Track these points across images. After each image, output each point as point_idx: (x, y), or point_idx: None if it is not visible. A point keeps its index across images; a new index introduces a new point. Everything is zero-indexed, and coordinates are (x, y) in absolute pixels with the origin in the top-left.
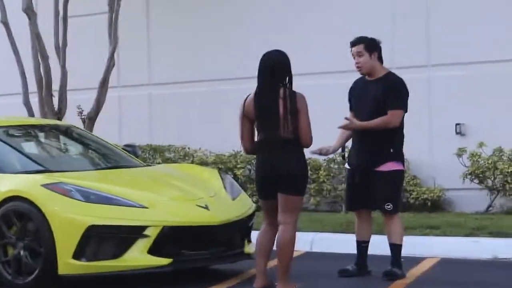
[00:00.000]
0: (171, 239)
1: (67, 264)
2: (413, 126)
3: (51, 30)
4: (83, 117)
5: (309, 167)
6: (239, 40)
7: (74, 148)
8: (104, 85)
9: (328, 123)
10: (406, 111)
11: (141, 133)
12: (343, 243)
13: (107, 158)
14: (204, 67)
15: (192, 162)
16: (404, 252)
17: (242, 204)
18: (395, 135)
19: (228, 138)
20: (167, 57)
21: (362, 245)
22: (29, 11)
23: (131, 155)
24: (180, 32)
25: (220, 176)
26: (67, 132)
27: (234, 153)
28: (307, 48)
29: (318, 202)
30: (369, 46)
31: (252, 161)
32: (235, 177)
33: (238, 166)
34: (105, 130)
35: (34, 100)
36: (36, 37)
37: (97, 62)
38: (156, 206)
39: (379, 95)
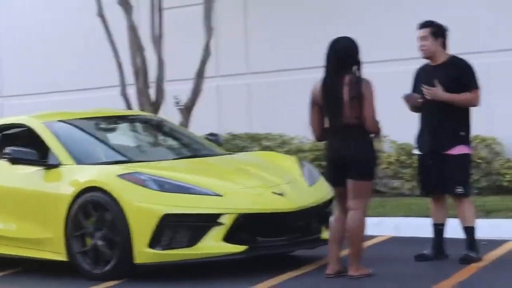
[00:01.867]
0: (246, 226)
1: (143, 253)
2: (508, 109)
3: (147, 22)
4: (180, 107)
5: (403, 152)
6: (336, 28)
7: (154, 138)
8: (200, 75)
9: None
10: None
11: (239, 122)
12: (429, 228)
13: (187, 147)
14: (302, 54)
15: (289, 150)
16: (487, 234)
17: (319, 191)
18: (464, 118)
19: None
20: (265, 46)
21: (439, 228)
22: (124, 4)
23: (212, 144)
24: (277, 20)
25: (299, 163)
26: (148, 122)
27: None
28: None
29: (413, 187)
30: (435, 30)
31: None
32: None
33: None
34: (204, 120)
35: (132, 92)
36: (132, 29)
37: (194, 53)
38: (231, 194)
39: (450, 79)
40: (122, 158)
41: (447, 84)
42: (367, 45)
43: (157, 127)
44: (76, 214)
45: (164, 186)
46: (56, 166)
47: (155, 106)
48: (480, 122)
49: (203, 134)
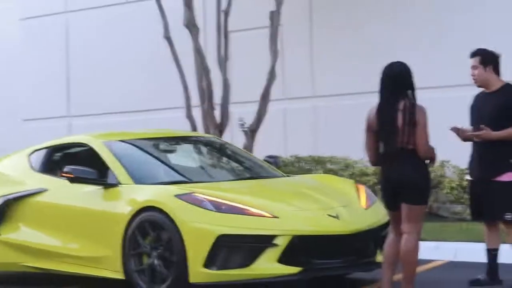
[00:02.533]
0: (300, 248)
1: (198, 272)
2: None
3: (214, 44)
4: (244, 129)
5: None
6: (401, 52)
7: (214, 160)
8: (265, 97)
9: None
10: None
11: (305, 145)
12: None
13: (246, 169)
14: (366, 78)
15: (353, 173)
16: None
17: (375, 214)
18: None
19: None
20: (330, 69)
21: (492, 253)
22: (191, 26)
23: (272, 166)
24: (342, 44)
25: (356, 186)
26: (208, 143)
27: None
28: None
29: None
30: (484, 59)
31: None
32: None
33: None
34: (269, 142)
35: (197, 114)
36: (197, 51)
37: (260, 76)
38: (286, 216)
39: (498, 108)
40: (181, 179)
41: (494, 113)
42: (429, 70)
43: (217, 149)
44: (134, 233)
45: (220, 207)
46: (115, 185)
47: (220, 128)
48: None
49: (262, 156)
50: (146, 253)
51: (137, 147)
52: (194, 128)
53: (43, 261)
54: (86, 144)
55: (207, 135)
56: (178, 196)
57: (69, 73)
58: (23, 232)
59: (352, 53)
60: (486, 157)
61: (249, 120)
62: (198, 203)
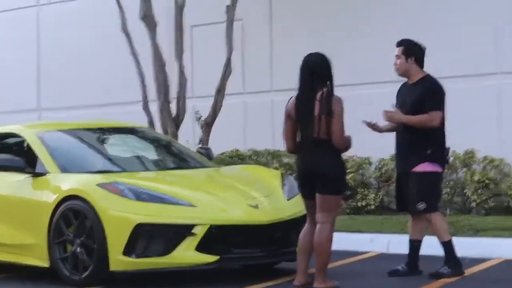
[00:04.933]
0: (218, 237)
1: (118, 260)
2: None
3: (172, 38)
4: (200, 122)
5: None
6: (362, 45)
7: (144, 150)
8: (220, 91)
9: None
10: (443, 112)
11: (263, 139)
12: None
13: (175, 159)
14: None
15: None
16: (474, 253)
17: (298, 204)
18: (432, 137)
19: None
20: (289, 64)
21: (413, 244)
22: (147, 20)
23: (203, 158)
24: (301, 38)
25: (282, 177)
26: (139, 134)
27: (345, 158)
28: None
29: None
30: (408, 49)
31: (364, 165)
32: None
33: (348, 171)
34: (228, 136)
35: (154, 108)
36: (153, 45)
37: (220, 70)
38: (205, 205)
39: (416, 99)
40: (108, 168)
41: (413, 104)
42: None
43: (149, 140)
44: (58, 221)
45: (141, 196)
46: (42, 174)
47: (176, 121)
48: (490, 143)
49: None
50: (70, 241)
51: (69, 137)
52: (151, 121)
53: None
54: (17, 134)
55: (139, 125)
56: (100, 185)
57: (39, 66)
58: None
59: (311, 47)
60: (403, 150)
61: (206, 114)
62: (119, 192)
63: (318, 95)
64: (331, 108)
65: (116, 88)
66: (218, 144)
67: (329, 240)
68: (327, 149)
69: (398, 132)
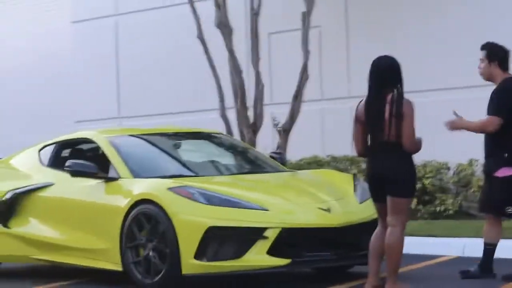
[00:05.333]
0: (290, 240)
1: (190, 264)
2: None
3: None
4: (278, 129)
5: None
6: (436, 50)
7: (216, 155)
8: (297, 97)
9: None
10: (503, 118)
11: (342, 145)
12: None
13: (247, 164)
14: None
15: None
16: None
17: (370, 208)
18: (508, 141)
19: None
20: (367, 70)
21: (487, 247)
22: (222, 26)
23: (276, 162)
24: (378, 44)
25: (354, 181)
26: (213, 139)
27: (424, 163)
28: None
29: None
30: (491, 53)
31: (442, 170)
32: (423, 186)
33: (427, 175)
34: (306, 142)
35: (232, 115)
36: (230, 52)
37: (296, 77)
38: (277, 209)
39: (491, 100)
40: (180, 173)
41: (487, 108)
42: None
43: (221, 144)
44: (130, 226)
45: (212, 199)
46: (115, 179)
47: (254, 128)
48: None
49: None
50: (142, 246)
51: (142, 142)
52: (228, 128)
53: (49, 253)
54: (91, 140)
55: (213, 130)
56: (171, 189)
57: (119, 75)
58: (31, 226)
59: (389, 53)
60: (486, 151)
61: (284, 121)
62: (190, 196)
63: (388, 98)
64: (402, 111)
65: (194, 96)
66: (297, 151)
67: (400, 242)
68: (398, 152)
69: (484, 134)
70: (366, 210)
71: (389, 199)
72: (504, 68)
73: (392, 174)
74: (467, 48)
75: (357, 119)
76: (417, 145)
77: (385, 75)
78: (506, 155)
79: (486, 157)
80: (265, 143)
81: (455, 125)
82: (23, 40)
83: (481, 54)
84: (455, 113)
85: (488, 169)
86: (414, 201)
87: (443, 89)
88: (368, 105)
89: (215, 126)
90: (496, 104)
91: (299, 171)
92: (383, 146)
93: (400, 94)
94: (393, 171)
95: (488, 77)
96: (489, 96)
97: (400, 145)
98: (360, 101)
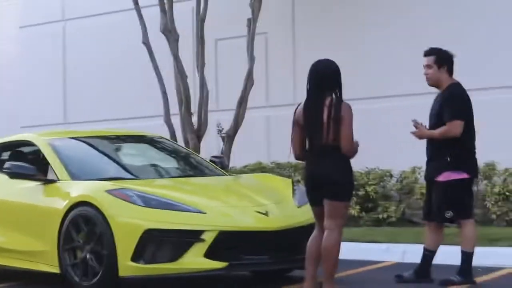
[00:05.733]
0: (227, 243)
1: (126, 266)
2: None
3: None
4: (222, 135)
5: None
6: (386, 57)
7: (156, 158)
8: (242, 104)
9: None
10: (464, 120)
11: (287, 152)
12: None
13: (186, 168)
14: (350, 85)
15: None
16: (487, 262)
17: (308, 211)
18: (451, 145)
19: (361, 156)
20: None
21: (426, 253)
22: (167, 32)
23: (216, 166)
24: (325, 52)
25: (293, 185)
26: (151, 142)
27: (367, 170)
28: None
29: None
30: (439, 58)
31: (385, 178)
32: (366, 193)
33: (370, 183)
34: (252, 149)
35: (176, 121)
36: (174, 57)
37: (242, 83)
38: (214, 212)
39: (438, 109)
40: (119, 175)
41: (436, 114)
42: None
43: (162, 148)
44: (68, 228)
45: (150, 202)
46: (53, 181)
47: (198, 133)
48: (511, 155)
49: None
50: (80, 248)
51: (81, 144)
52: (172, 134)
53: None
54: (31, 142)
55: (151, 134)
56: (109, 191)
57: (65, 80)
58: None
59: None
60: (428, 157)
61: (228, 127)
62: (128, 199)
63: (327, 101)
64: (340, 114)
65: (139, 102)
66: (242, 157)
67: (337, 245)
68: (336, 155)
69: (427, 140)
70: (304, 214)
71: (326, 202)
72: (451, 73)
73: (329, 177)
74: (407, 56)
75: (295, 122)
76: (355, 149)
77: (324, 78)
78: (449, 159)
79: (428, 161)
80: (210, 149)
81: (422, 135)
82: None
83: (426, 60)
84: (415, 122)
85: (431, 174)
86: (357, 208)
87: (387, 96)
88: (306, 108)
89: (162, 132)
90: (454, 108)
91: (239, 175)
92: (321, 149)
93: (339, 98)
94: (331, 174)
95: (435, 83)
96: (434, 102)
97: (338, 148)
98: (299, 104)
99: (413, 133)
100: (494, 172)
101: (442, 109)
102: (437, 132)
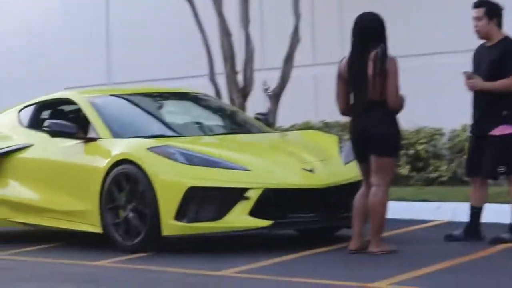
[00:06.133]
0: (273, 201)
1: (170, 225)
2: None
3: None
4: (269, 93)
5: None
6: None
7: (198, 115)
8: (288, 61)
9: None
10: None
11: (335, 110)
12: (490, 213)
13: (231, 124)
14: (401, 41)
15: None
16: None
17: (355, 169)
18: (506, 98)
19: (410, 114)
20: None
21: (474, 211)
22: None
23: (261, 123)
24: (372, 6)
25: (340, 142)
26: (195, 99)
27: (417, 128)
28: None
29: None
30: (489, 10)
31: (435, 136)
32: (417, 152)
33: (420, 141)
34: (299, 108)
35: (222, 80)
36: (219, 15)
37: (287, 41)
38: (259, 169)
39: (496, 60)
40: (161, 133)
41: (491, 67)
42: None
43: (204, 105)
44: (110, 187)
45: (192, 159)
46: (94, 139)
47: (243, 92)
48: None
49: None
50: (122, 207)
51: (123, 102)
52: (217, 93)
53: (28, 216)
54: (71, 100)
55: (196, 91)
56: (150, 149)
57: (108, 40)
58: (10, 188)
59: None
60: (479, 111)
61: (275, 85)
62: (170, 156)
63: (372, 55)
64: (386, 68)
65: (183, 61)
66: (289, 116)
67: (384, 202)
68: (381, 110)
69: (475, 92)
70: (351, 171)
71: (373, 158)
72: (501, 26)
73: (375, 133)
74: (457, 11)
75: (339, 77)
76: (401, 103)
77: (369, 31)
78: (505, 112)
79: (480, 116)
80: (256, 108)
81: (476, 85)
82: None
83: (476, 12)
84: (468, 73)
85: (483, 129)
86: (407, 167)
87: (437, 53)
88: (351, 62)
89: (207, 91)
90: None
91: (284, 132)
92: (366, 104)
93: (384, 51)
94: (377, 130)
95: (485, 35)
96: (484, 55)
97: (384, 103)
98: (343, 58)
99: (468, 81)
100: None
101: (501, 62)
102: (498, 84)
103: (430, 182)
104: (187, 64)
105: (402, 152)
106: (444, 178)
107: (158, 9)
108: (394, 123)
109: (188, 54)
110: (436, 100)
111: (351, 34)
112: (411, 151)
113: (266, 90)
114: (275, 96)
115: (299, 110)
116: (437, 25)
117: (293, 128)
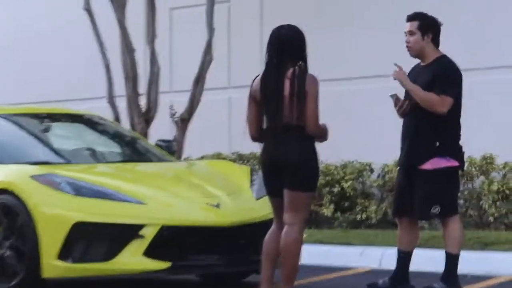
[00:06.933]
0: (171, 240)
1: (52, 265)
2: None
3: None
4: (175, 119)
5: None
6: (347, 40)
7: (92, 140)
8: (199, 83)
9: None
10: (455, 99)
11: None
12: (420, 259)
13: (128, 152)
14: (330, 64)
15: None
16: (479, 269)
17: (268, 205)
18: (440, 127)
19: (336, 147)
20: None
21: (401, 256)
22: None
23: (163, 152)
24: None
25: (251, 174)
26: (89, 123)
27: (344, 163)
28: None
29: None
30: (424, 25)
31: (364, 172)
32: (342, 190)
33: (346, 178)
34: (212, 137)
35: (122, 104)
36: (121, 28)
37: (198, 60)
38: (156, 203)
39: (430, 82)
40: (46, 159)
41: (424, 87)
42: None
43: (100, 129)
44: None
45: (81, 190)
46: None
47: (146, 117)
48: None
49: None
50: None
51: (5, 123)
52: (117, 117)
53: None
54: None
55: (90, 113)
56: (34, 177)
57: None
58: None
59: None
60: (410, 140)
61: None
62: (55, 185)
63: (289, 72)
64: (305, 88)
65: (81, 81)
66: (199, 146)
67: (298, 242)
68: (298, 137)
69: (405, 120)
70: (264, 208)
71: (286, 192)
72: (437, 44)
73: (291, 162)
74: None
75: (251, 98)
76: (322, 130)
77: (286, 46)
78: (438, 143)
79: (409, 146)
80: (160, 136)
81: (401, 77)
82: None
83: (409, 25)
84: (394, 96)
85: (413, 160)
86: (331, 207)
87: (366, 77)
88: (264, 80)
89: (105, 115)
90: (450, 83)
91: (190, 162)
92: (280, 129)
93: (303, 69)
94: (293, 159)
95: (418, 53)
96: (419, 74)
97: (301, 128)
98: (256, 77)
99: (394, 72)
100: (492, 166)
101: (433, 82)
102: (423, 93)
103: (357, 224)
104: (87, 84)
105: (326, 190)
106: (373, 220)
107: (52, 19)
108: (312, 153)
109: (88, 74)
110: (365, 130)
111: (266, 48)
112: (336, 189)
113: (173, 115)
114: (183, 122)
115: (210, 139)
116: (367, 47)
117: (202, 159)
